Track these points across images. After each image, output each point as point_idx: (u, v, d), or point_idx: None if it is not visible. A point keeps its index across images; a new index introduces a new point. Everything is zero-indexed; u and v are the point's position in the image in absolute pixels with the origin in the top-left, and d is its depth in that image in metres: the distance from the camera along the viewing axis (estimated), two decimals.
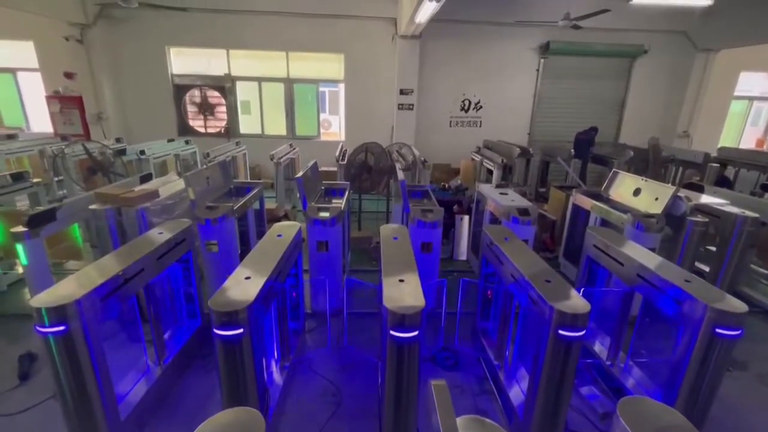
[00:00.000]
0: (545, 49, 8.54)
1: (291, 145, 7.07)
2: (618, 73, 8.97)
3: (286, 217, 5.78)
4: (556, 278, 2.17)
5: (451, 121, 9.04)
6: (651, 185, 3.81)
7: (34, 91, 8.44)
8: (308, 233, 3.46)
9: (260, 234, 3.96)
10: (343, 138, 8.96)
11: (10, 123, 8.90)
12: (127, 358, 2.64)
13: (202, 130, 8.91)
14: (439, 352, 3.09)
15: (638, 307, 2.76)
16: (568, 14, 6.62)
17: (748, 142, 10.63)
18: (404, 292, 1.98)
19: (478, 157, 7.32)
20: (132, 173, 5.24)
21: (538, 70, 8.79)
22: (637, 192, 3.92)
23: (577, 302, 1.93)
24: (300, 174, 3.78)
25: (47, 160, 5.28)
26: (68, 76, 7.95)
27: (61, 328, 1.75)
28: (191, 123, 8.85)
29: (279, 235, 2.70)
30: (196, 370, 2.91)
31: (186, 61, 8.56)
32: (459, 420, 1.19)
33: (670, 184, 3.81)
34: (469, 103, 8.94)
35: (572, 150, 6.92)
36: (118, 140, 6.50)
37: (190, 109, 8.75)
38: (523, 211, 3.61)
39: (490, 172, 6.54)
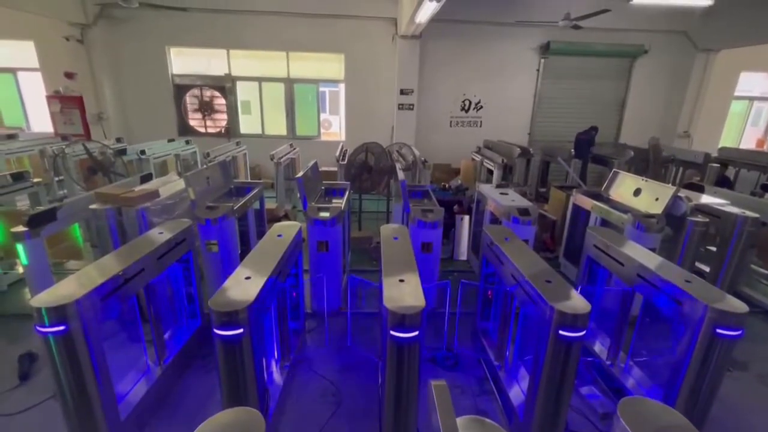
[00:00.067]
0: (545, 49, 8.54)
1: (291, 145, 7.07)
2: (618, 73, 8.97)
3: (286, 217, 5.78)
4: (556, 278, 2.16)
5: (451, 121, 9.04)
6: (651, 185, 3.81)
7: (35, 91, 8.44)
8: (308, 233, 3.46)
9: (260, 234, 3.96)
10: (343, 138, 8.96)
11: (11, 123, 8.90)
12: (127, 358, 2.63)
13: (203, 130, 8.91)
14: (439, 352, 3.09)
15: (638, 307, 2.77)
16: (569, 14, 6.62)
17: (748, 143, 10.63)
18: (404, 292, 1.98)
19: (478, 157, 7.32)
20: (132, 173, 5.24)
21: (538, 70, 8.79)
22: (637, 192, 3.92)
23: (577, 302, 1.93)
24: (300, 174, 3.78)
25: (48, 159, 5.29)
26: (68, 76, 7.96)
27: (61, 328, 1.75)
28: (191, 123, 8.86)
29: (279, 235, 2.70)
30: (196, 370, 2.91)
31: (186, 61, 8.56)
32: (459, 420, 1.19)
33: (670, 185, 3.81)
34: (470, 103, 8.94)
35: (572, 150, 6.93)
36: (118, 140, 6.51)
37: (191, 109, 8.75)
38: (524, 211, 3.61)
39: (491, 172, 6.54)
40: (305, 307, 3.31)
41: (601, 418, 2.54)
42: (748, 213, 3.63)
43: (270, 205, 5.77)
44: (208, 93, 8.65)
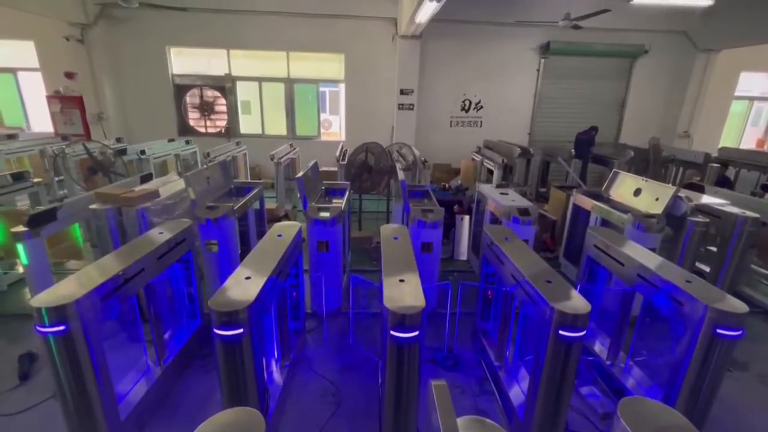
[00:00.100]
0: (546, 49, 8.53)
1: (291, 145, 7.07)
2: (618, 73, 8.97)
3: (286, 217, 5.78)
4: (556, 278, 2.16)
5: (451, 121, 9.04)
6: (651, 185, 3.81)
7: (35, 91, 8.44)
8: (308, 233, 3.46)
9: (260, 234, 3.96)
10: (343, 138, 8.96)
11: (11, 123, 8.90)
12: (127, 358, 2.64)
13: (203, 130, 8.91)
14: (440, 353, 3.09)
15: (639, 307, 2.76)
16: (569, 14, 6.62)
17: (748, 143, 10.63)
18: (404, 292, 1.98)
19: (478, 157, 7.32)
20: (132, 173, 5.24)
21: (538, 70, 8.79)
22: (637, 192, 3.92)
23: (577, 302, 1.93)
24: (300, 174, 3.78)
25: (48, 159, 5.29)
26: (69, 75, 7.96)
27: (61, 327, 1.75)
28: (191, 123, 8.86)
29: (279, 235, 2.70)
30: (196, 370, 2.91)
31: (186, 61, 8.56)
32: (459, 420, 1.19)
33: (670, 185, 3.80)
34: (470, 103, 8.94)
35: (572, 150, 6.92)
36: (118, 140, 6.50)
37: (191, 109, 8.75)
38: (524, 211, 3.61)
39: (491, 172, 6.54)
40: (305, 307, 3.31)
41: (601, 418, 2.54)
42: (749, 213, 3.63)
43: (270, 205, 5.78)
44: (208, 93, 8.65)
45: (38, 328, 1.74)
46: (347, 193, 4.20)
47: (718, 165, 6.64)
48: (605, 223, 3.89)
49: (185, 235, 2.84)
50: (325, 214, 3.41)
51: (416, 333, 1.83)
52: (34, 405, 2.50)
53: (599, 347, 3.04)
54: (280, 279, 2.44)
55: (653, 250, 2.92)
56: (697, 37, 8.68)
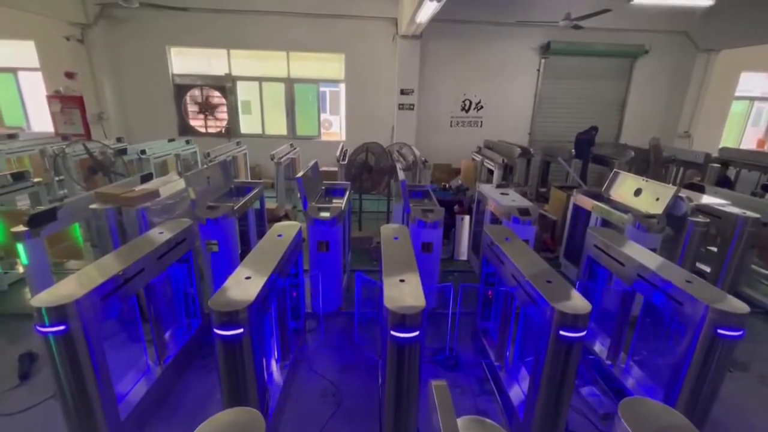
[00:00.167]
0: (546, 49, 8.53)
1: (291, 145, 7.07)
2: (619, 73, 8.97)
3: (286, 216, 5.78)
4: (556, 278, 2.16)
5: (451, 121, 9.03)
6: (652, 185, 3.80)
7: (35, 91, 8.45)
8: (309, 233, 3.46)
9: (260, 234, 3.95)
10: (343, 138, 8.96)
11: (11, 122, 8.91)
12: (127, 358, 2.63)
13: (203, 129, 8.91)
14: (440, 354, 3.09)
15: (639, 307, 2.76)
16: (569, 14, 6.62)
17: (748, 143, 10.62)
18: (405, 292, 1.98)
19: (478, 157, 7.32)
20: (133, 173, 5.24)
21: (538, 70, 8.79)
22: (637, 192, 3.91)
23: (578, 303, 1.93)
24: (300, 174, 3.78)
25: (48, 159, 5.29)
26: (69, 75, 7.96)
27: (62, 327, 1.74)
28: (192, 123, 8.86)
29: (279, 235, 2.70)
30: (196, 370, 2.91)
31: (186, 60, 8.56)
32: (459, 420, 1.18)
33: (671, 185, 3.80)
34: (470, 103, 8.94)
35: (573, 150, 6.92)
36: (118, 140, 6.51)
37: (191, 108, 8.75)
38: (524, 211, 3.61)
39: (491, 172, 6.54)
40: (305, 307, 3.31)
41: (602, 418, 2.54)
42: (749, 213, 3.63)
43: (270, 204, 5.77)
44: (208, 93, 8.65)
45: (38, 327, 1.74)
46: (347, 193, 4.20)
47: (719, 165, 6.64)
48: (605, 223, 3.89)
49: (185, 234, 2.84)
50: (325, 214, 3.41)
51: (416, 333, 1.83)
52: (34, 405, 2.50)
53: (599, 347, 3.04)
54: (281, 279, 2.44)
55: (654, 250, 2.92)
56: (698, 37, 8.68)
